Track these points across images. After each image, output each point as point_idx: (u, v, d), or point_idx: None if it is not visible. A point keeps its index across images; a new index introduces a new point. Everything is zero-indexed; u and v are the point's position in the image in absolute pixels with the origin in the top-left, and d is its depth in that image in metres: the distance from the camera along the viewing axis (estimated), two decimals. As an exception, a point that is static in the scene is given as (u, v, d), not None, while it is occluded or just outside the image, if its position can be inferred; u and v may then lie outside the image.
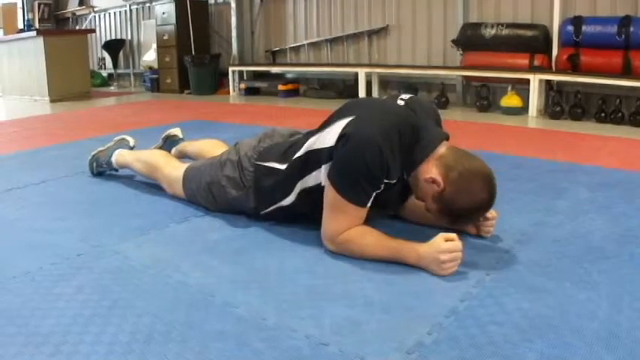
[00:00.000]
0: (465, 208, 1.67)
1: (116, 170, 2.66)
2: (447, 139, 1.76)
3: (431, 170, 1.66)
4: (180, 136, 2.86)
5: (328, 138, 1.75)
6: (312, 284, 1.55)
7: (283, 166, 1.89)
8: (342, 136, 1.69)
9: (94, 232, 1.97)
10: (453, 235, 1.60)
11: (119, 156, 2.59)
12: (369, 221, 1.76)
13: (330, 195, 1.71)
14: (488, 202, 1.68)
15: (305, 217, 1.91)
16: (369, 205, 1.70)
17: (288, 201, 1.90)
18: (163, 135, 2.89)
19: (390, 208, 2.01)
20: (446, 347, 1.23)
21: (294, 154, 1.86)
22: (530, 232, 1.92)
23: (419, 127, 1.71)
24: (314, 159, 1.79)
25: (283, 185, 1.89)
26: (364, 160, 1.62)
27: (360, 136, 1.65)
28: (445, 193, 1.65)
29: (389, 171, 1.65)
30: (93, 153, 2.72)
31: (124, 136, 2.73)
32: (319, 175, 1.76)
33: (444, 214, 1.71)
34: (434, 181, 1.65)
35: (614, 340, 1.24)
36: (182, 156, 2.69)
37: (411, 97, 1.85)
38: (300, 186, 1.85)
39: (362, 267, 1.64)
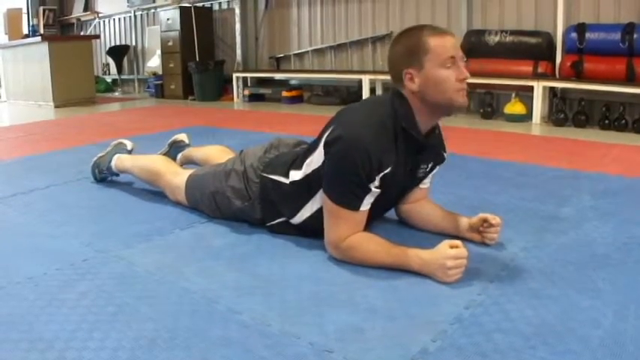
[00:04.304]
0: (415, 35, 1.66)
1: (117, 175, 2.67)
2: None
3: (407, 86, 1.68)
4: (187, 141, 2.87)
5: (319, 154, 1.75)
6: (316, 291, 1.55)
7: (288, 181, 1.88)
8: (325, 146, 1.71)
9: (99, 238, 1.97)
10: (458, 242, 1.60)
11: (118, 161, 2.60)
12: (373, 226, 1.76)
13: (326, 203, 1.72)
14: (419, 25, 1.72)
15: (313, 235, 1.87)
16: (364, 208, 1.69)
17: (296, 220, 1.89)
18: (169, 140, 2.89)
19: (398, 197, 1.99)
20: (450, 355, 1.23)
21: (296, 175, 1.85)
22: (534, 239, 1.92)
23: (391, 98, 1.72)
24: (315, 180, 1.78)
25: (290, 202, 1.89)
26: (348, 164, 1.63)
27: (340, 140, 1.65)
28: (408, 62, 1.66)
29: (380, 162, 1.63)
30: (94, 159, 2.72)
31: (121, 140, 2.74)
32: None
33: (429, 57, 1.63)
34: (409, 78, 1.67)
35: (618, 348, 1.23)
36: (188, 162, 2.70)
37: None
38: (309, 208, 1.84)
39: (366, 274, 1.64)
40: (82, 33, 9.25)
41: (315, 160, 1.77)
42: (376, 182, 1.66)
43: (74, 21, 9.41)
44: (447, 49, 1.63)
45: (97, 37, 8.45)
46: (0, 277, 1.65)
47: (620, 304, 1.44)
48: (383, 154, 1.63)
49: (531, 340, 1.28)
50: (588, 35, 4.47)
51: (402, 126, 1.68)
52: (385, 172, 1.66)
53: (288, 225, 1.93)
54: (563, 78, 4.65)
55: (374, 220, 1.82)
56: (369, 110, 1.74)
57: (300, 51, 6.79)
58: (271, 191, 1.93)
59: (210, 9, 7.53)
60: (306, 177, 1.82)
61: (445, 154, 1.89)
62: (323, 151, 1.72)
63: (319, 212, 1.79)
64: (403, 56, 1.68)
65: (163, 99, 7.41)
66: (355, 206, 1.68)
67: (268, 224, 1.98)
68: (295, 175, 1.85)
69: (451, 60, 1.64)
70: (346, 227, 1.70)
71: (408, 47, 1.67)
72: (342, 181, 1.66)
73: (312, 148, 1.83)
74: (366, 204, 1.69)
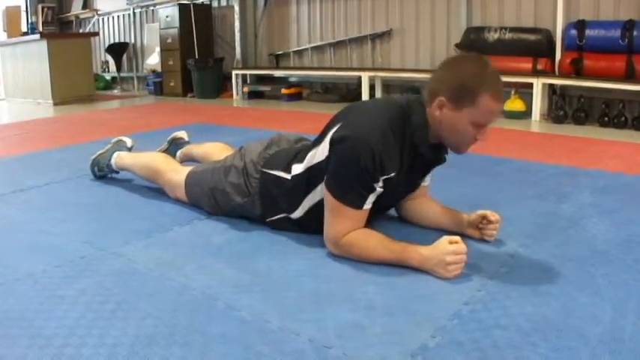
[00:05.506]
0: (476, 82, 1.57)
1: (117, 172, 2.67)
2: None
3: (433, 108, 1.65)
4: (186, 138, 2.87)
5: (323, 149, 1.75)
6: (315, 288, 1.55)
7: (289, 176, 1.88)
8: (331, 143, 1.70)
9: (98, 235, 1.97)
10: (457, 238, 1.60)
11: (118, 159, 2.60)
12: (372, 223, 1.76)
13: (328, 199, 1.72)
14: (488, 66, 1.61)
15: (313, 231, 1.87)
16: (367, 206, 1.69)
17: (296, 215, 1.89)
18: (169, 138, 2.89)
19: (397, 201, 1.99)
20: (450, 351, 1.23)
21: (297, 168, 1.86)
22: (533, 236, 1.92)
23: (407, 104, 1.72)
24: (316, 173, 1.78)
25: (290, 197, 1.89)
26: (354, 162, 1.63)
27: (347, 139, 1.65)
28: (451, 96, 1.60)
29: (383, 166, 1.63)
30: (93, 157, 2.72)
31: (121, 138, 2.74)
32: (323, 188, 1.76)
33: (470, 109, 1.59)
34: (439, 105, 1.63)
35: (617, 345, 1.23)
36: (188, 159, 2.69)
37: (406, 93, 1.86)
38: (308, 202, 1.84)
39: (365, 270, 1.64)
40: (80, 30, 9.22)
41: (319, 153, 1.77)
42: (380, 183, 1.67)
43: (73, 18, 9.39)
44: (490, 116, 1.63)
45: (96, 34, 8.43)
46: (-1, 274, 1.65)
47: (620, 301, 1.44)
48: (387, 158, 1.64)
49: (530, 336, 1.28)
50: (588, 32, 4.46)
51: (413, 140, 1.69)
52: (388, 176, 1.66)
53: (288, 220, 1.92)
54: (563, 75, 4.64)
55: (374, 219, 1.82)
56: (379, 112, 1.72)
57: (299, 48, 6.78)
58: (271, 186, 1.93)
59: (209, 6, 7.51)
60: (307, 170, 1.82)
61: (446, 155, 1.86)
62: (328, 146, 1.72)
63: (318, 206, 1.79)
64: (451, 87, 1.61)
65: (162, 96, 7.39)
66: (359, 204, 1.68)
67: (268, 220, 1.98)
68: (297, 169, 1.86)
69: (484, 124, 1.65)
70: (347, 224, 1.70)
71: (462, 84, 1.59)
72: (346, 179, 1.66)
73: (316, 142, 1.83)
74: (369, 202, 1.69)
